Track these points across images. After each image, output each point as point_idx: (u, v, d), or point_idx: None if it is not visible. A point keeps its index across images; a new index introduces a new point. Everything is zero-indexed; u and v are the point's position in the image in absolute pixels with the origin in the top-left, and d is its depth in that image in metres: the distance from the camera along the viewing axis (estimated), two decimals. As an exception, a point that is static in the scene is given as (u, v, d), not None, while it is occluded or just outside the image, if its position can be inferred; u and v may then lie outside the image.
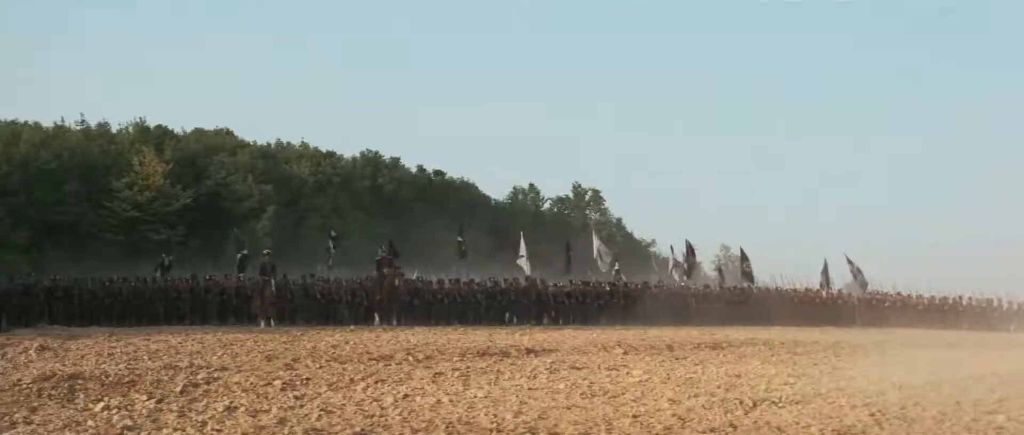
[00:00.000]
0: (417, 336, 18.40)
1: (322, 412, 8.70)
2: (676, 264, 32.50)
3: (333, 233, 29.46)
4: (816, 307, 30.44)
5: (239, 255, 26.08)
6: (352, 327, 21.18)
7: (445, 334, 19.32)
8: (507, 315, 25.49)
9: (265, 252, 23.98)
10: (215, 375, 11.27)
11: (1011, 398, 10.33)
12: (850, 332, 25.78)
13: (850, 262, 31.86)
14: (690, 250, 32.85)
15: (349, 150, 52.37)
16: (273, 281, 22.13)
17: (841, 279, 32.01)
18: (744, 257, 32.80)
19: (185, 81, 77.04)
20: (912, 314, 30.96)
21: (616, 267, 30.50)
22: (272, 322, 21.56)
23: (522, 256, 29.20)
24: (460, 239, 28.85)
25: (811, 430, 8.24)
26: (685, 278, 31.76)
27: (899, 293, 32.24)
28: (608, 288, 27.94)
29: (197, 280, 24.10)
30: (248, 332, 19.01)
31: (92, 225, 38.75)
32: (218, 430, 7.81)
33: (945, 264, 47.35)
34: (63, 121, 44.54)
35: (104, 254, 35.08)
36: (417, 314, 23.75)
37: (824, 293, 31.44)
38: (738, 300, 29.60)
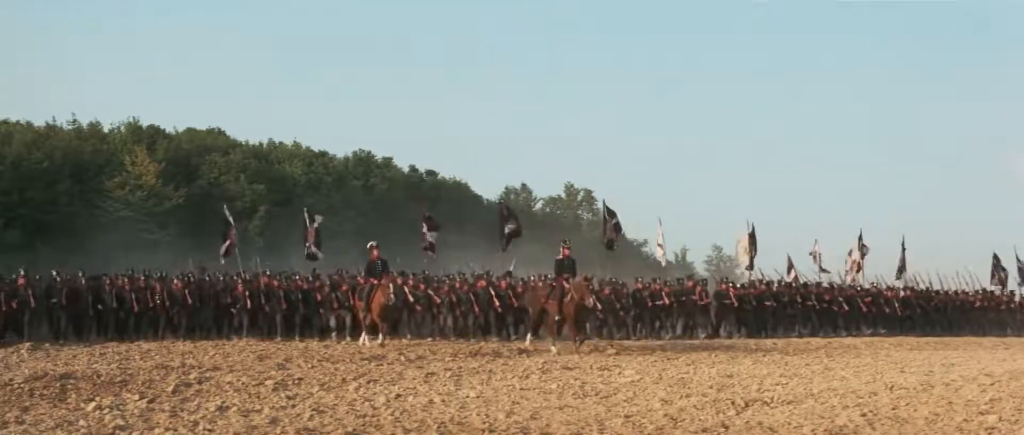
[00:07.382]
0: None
1: (314, 412, 8.68)
2: (855, 262, 27.64)
3: (427, 214, 22.81)
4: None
5: (309, 244, 20.27)
6: (518, 339, 18.59)
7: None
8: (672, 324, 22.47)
9: (371, 245, 17.29)
10: (207, 375, 11.25)
11: (1003, 399, 10.35)
12: None
13: (1018, 259, 29.11)
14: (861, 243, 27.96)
15: (341, 150, 52.38)
16: (392, 285, 16.61)
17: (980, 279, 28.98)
18: (905, 247, 28.33)
19: (177, 81, 76.72)
20: None
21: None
22: (383, 337, 16.43)
23: (660, 246, 26.33)
24: (659, 244, 25.46)
25: (803, 430, 8.24)
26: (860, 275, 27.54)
27: None
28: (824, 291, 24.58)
29: (257, 278, 19.22)
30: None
31: (85, 224, 38.58)
32: (210, 430, 7.78)
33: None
34: (55, 120, 44.34)
35: (96, 254, 34.93)
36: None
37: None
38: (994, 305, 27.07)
